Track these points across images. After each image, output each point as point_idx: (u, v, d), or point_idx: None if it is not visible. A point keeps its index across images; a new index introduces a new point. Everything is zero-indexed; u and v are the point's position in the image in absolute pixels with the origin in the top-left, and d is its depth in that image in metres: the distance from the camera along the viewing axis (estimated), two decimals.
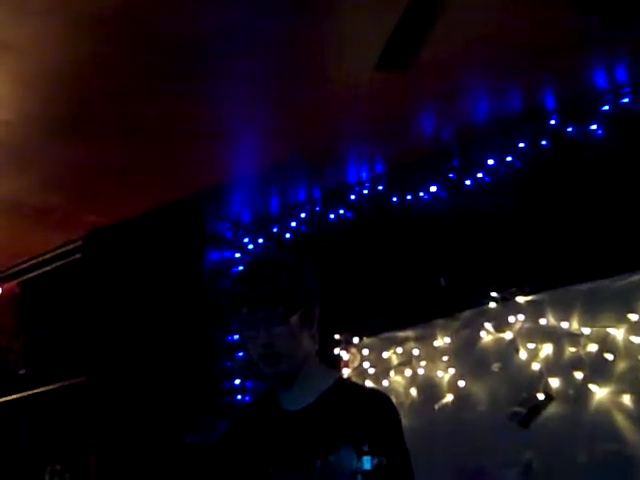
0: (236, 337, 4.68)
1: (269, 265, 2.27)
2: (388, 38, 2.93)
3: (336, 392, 2.22)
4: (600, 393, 3.61)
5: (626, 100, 3.95)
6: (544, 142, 4.11)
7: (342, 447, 2.05)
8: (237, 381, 4.67)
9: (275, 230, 5.04)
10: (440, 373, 4.11)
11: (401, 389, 4.22)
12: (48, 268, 5.36)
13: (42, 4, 3.05)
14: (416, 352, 4.21)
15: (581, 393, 3.66)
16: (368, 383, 4.29)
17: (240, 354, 4.65)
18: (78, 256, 5.16)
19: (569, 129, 4.05)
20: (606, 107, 3.99)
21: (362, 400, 2.20)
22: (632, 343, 3.58)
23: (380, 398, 2.24)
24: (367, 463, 2.03)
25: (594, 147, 3.98)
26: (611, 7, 2.84)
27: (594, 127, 3.99)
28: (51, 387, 4.98)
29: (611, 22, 2.95)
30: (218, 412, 4.32)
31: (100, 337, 4.80)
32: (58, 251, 5.29)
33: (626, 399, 3.54)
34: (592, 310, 3.72)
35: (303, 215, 4.94)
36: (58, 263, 5.31)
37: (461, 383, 4.02)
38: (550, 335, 3.82)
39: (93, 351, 4.80)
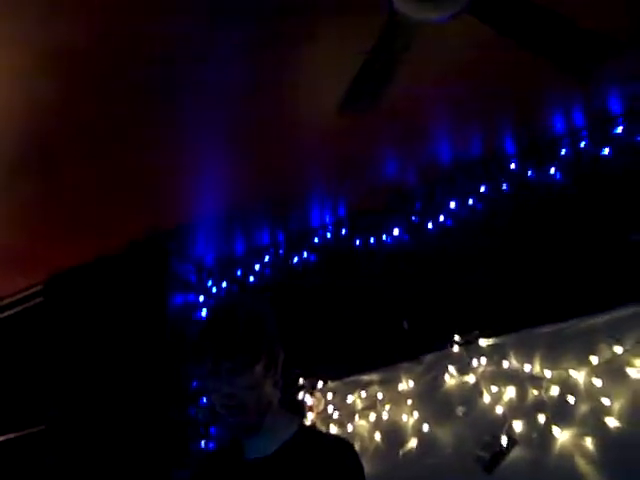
0: (197, 384, 4.62)
1: (230, 315, 2.25)
2: (350, 82, 2.95)
3: (298, 440, 2.20)
4: (563, 437, 3.60)
5: (583, 144, 4.01)
6: (505, 185, 4.16)
7: None
8: (200, 429, 4.60)
9: (239, 273, 5.00)
10: (404, 417, 4.08)
11: (365, 433, 4.18)
12: (9, 312, 5.27)
13: (6, 38, 3.06)
14: (380, 396, 4.18)
15: (544, 437, 3.65)
16: (332, 428, 4.26)
17: (204, 400, 4.59)
18: (39, 300, 5.08)
19: (529, 172, 4.11)
20: (563, 151, 4.05)
21: (324, 449, 2.17)
22: (593, 385, 3.59)
23: (342, 447, 2.22)
24: None
25: (553, 190, 4.04)
26: (568, 53, 2.88)
27: (552, 171, 4.05)
28: (8, 437, 4.87)
29: (567, 68, 3.00)
30: (181, 459, 4.26)
31: (60, 383, 4.72)
32: (19, 295, 5.20)
33: (588, 442, 3.54)
34: (554, 353, 3.74)
35: (267, 258, 4.92)
36: (19, 307, 5.22)
37: (425, 427, 4.00)
38: (513, 378, 3.82)
39: (52, 398, 4.70)
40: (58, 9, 2.94)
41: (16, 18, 2.97)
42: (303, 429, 2.30)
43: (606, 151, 3.95)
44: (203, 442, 4.53)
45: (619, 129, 3.93)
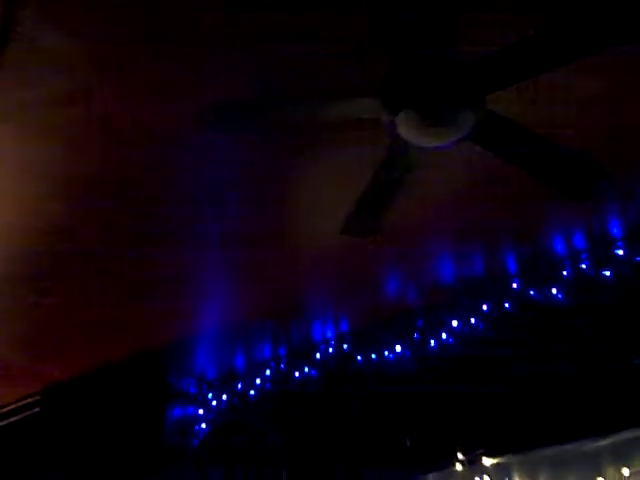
0: None
1: (238, 427, 2.25)
2: (354, 204, 3.00)
3: None
4: None
5: (584, 266, 4.06)
6: (507, 304, 4.18)
7: None
8: None
9: (239, 387, 4.97)
10: None
11: None
12: (5, 422, 5.21)
13: (27, 166, 3.15)
14: None
15: None
16: None
17: None
18: (37, 410, 5.04)
19: (531, 292, 4.14)
20: (565, 272, 4.09)
21: None
22: None
23: None
24: None
25: (555, 310, 4.05)
26: (567, 184, 2.94)
27: (554, 291, 4.08)
28: None
29: (569, 196, 3.06)
30: None
31: None
32: (17, 404, 5.15)
33: None
34: (560, 474, 3.70)
35: (268, 372, 4.90)
36: (16, 417, 5.16)
37: None
38: None
39: None
40: (77, 142, 3.03)
41: (38, 149, 3.06)
42: None
43: (607, 273, 3.98)
44: None
45: (620, 251, 3.98)
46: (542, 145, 2.76)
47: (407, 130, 2.58)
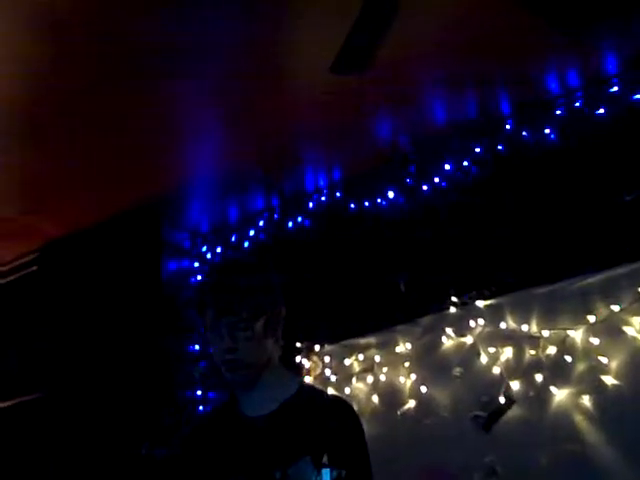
0: (197, 347, 4.64)
1: (234, 270, 2.26)
2: (343, 41, 2.92)
3: (298, 400, 2.21)
4: (560, 395, 3.62)
5: (578, 104, 4.00)
6: (500, 147, 4.15)
7: (301, 460, 2.04)
8: (199, 392, 4.62)
9: (233, 239, 4.99)
10: (402, 379, 4.10)
11: (363, 396, 4.20)
12: (3, 281, 5.26)
13: None
14: (378, 359, 4.20)
15: (541, 396, 3.67)
16: (330, 391, 4.26)
17: (202, 364, 4.61)
18: (34, 268, 5.07)
19: (524, 133, 4.09)
20: (559, 111, 4.03)
21: (324, 409, 2.18)
22: (591, 344, 3.61)
23: (342, 407, 2.23)
24: (326, 476, 2.02)
25: (548, 150, 4.02)
26: (564, 11, 2.86)
27: (547, 131, 4.04)
28: (6, 404, 4.88)
29: (563, 26, 2.98)
30: (179, 423, 4.28)
31: (57, 351, 4.73)
32: (14, 264, 5.18)
33: (586, 400, 3.56)
34: (551, 312, 3.75)
35: (261, 223, 4.91)
36: (14, 276, 5.21)
37: (423, 389, 4.02)
38: (510, 338, 3.83)
39: (50, 366, 4.71)
40: None
41: None
42: (303, 389, 2.30)
43: (601, 111, 3.92)
44: (201, 407, 4.55)
45: (614, 89, 3.91)
46: None
47: None
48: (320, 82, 3.58)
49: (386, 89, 3.84)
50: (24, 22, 3.12)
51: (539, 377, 3.70)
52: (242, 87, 3.72)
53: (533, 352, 3.75)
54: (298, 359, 4.39)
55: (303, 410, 2.17)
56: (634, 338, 3.53)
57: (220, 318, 2.15)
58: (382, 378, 4.18)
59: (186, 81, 3.64)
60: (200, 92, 3.73)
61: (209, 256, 5.06)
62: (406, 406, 4.06)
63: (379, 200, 4.49)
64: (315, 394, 2.34)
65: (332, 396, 2.41)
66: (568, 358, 3.65)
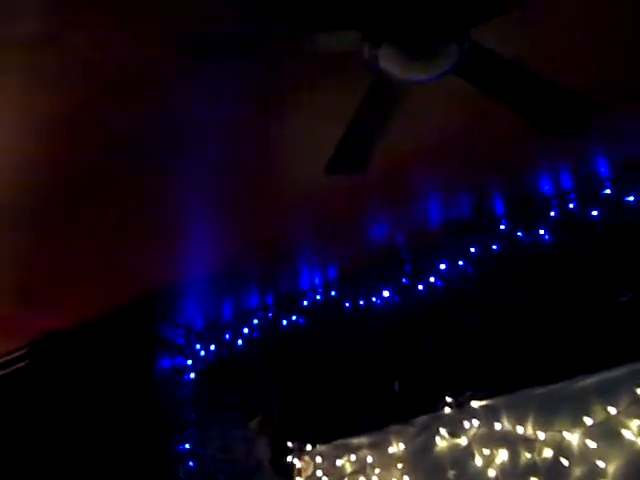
0: (187, 446, 4.55)
1: (229, 369, 2.26)
2: (339, 142, 2.97)
3: None
4: None
5: (571, 206, 4.04)
6: (495, 246, 4.17)
7: None
8: None
9: (227, 337, 4.96)
10: None
11: None
12: None
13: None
14: (370, 459, 4.12)
15: None
16: None
17: (190, 464, 4.52)
18: (25, 363, 5.02)
19: (518, 234, 4.12)
20: (553, 213, 4.08)
21: None
22: (587, 447, 3.55)
23: None
24: None
25: (543, 251, 4.05)
26: (554, 119, 2.92)
27: (542, 232, 4.07)
28: None
29: (554, 132, 3.04)
30: None
31: (47, 449, 4.64)
32: (3, 358, 5.13)
33: None
34: (547, 414, 3.70)
35: (255, 321, 4.88)
36: (3, 371, 5.15)
37: None
38: (505, 440, 3.77)
39: (40, 462, 4.62)
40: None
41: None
42: None
43: (595, 212, 3.97)
44: None
45: (607, 191, 3.96)
46: (529, 80, 2.73)
47: (390, 63, 2.54)
48: (315, 181, 3.61)
49: (381, 190, 3.88)
50: (20, 115, 3.18)
51: None
52: (238, 185, 3.77)
53: (529, 455, 3.68)
54: (289, 459, 4.30)
55: None
56: (632, 442, 3.48)
57: (215, 417, 2.12)
58: None
59: (182, 178, 3.68)
60: (196, 189, 3.77)
61: (202, 354, 5.01)
62: None
63: (374, 299, 4.48)
64: None
65: None
66: (565, 462, 3.58)
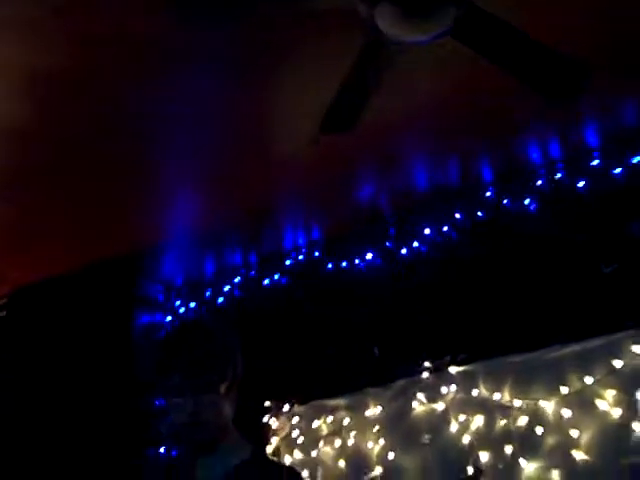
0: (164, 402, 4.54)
1: (199, 332, 2.23)
2: (330, 103, 2.94)
3: (246, 468, 2.16)
4: (529, 468, 3.57)
5: (559, 175, 4.04)
6: (480, 213, 4.17)
7: None
8: (162, 449, 4.51)
9: (208, 294, 4.94)
10: (370, 444, 4.03)
11: (330, 460, 4.12)
12: None
13: None
14: (346, 421, 4.13)
15: (511, 467, 3.62)
16: (297, 453, 4.20)
17: (169, 419, 4.51)
18: (2, 314, 4.99)
19: (504, 202, 4.12)
20: (539, 182, 4.07)
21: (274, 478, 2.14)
22: (562, 416, 3.58)
23: (293, 477, 2.19)
24: None
25: (528, 220, 4.05)
26: (548, 82, 2.90)
27: (527, 201, 4.07)
28: None
29: (548, 96, 3.02)
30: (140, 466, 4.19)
31: (22, 401, 4.63)
32: None
33: (554, 475, 3.52)
34: (524, 382, 3.73)
35: (237, 279, 4.87)
36: None
37: (391, 455, 3.95)
38: (482, 407, 3.80)
39: (12, 414, 4.61)
40: (38, 33, 2.90)
41: None
42: (256, 455, 2.25)
43: (582, 183, 3.97)
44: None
45: (595, 162, 3.96)
46: (526, 43, 2.70)
47: (386, 23, 2.51)
48: (301, 142, 3.59)
49: (369, 152, 3.86)
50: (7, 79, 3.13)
51: (509, 449, 3.65)
52: (223, 147, 3.74)
53: (504, 422, 3.71)
54: (266, 419, 4.31)
55: (253, 478, 2.13)
56: (606, 412, 3.51)
57: (185, 381, 2.11)
58: (350, 442, 4.10)
59: (167, 141, 3.65)
60: (180, 151, 3.74)
61: (182, 310, 5.00)
62: (373, 473, 3.99)
63: (357, 261, 4.47)
64: (267, 462, 2.30)
65: (284, 466, 2.40)
66: (539, 430, 3.61)
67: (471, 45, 2.71)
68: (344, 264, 4.51)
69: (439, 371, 3.96)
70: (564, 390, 3.60)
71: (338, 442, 4.13)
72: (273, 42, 3.08)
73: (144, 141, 3.66)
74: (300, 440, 4.26)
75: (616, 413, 3.49)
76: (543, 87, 2.91)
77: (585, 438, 3.52)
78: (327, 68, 2.92)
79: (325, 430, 4.21)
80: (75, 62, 3.06)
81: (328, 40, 3.03)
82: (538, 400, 3.65)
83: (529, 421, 3.65)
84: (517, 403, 3.70)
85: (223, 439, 2.16)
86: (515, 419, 3.69)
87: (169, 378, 2.13)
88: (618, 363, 3.53)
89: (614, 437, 3.47)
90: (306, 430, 4.26)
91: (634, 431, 3.43)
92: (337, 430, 4.17)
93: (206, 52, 3.09)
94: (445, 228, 4.25)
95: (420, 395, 3.97)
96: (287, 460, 4.19)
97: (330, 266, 4.56)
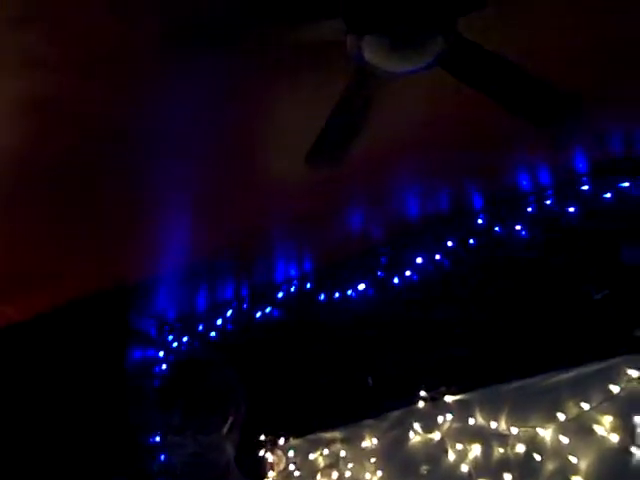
0: (157, 439, 4.51)
1: (199, 370, 2.22)
2: (318, 134, 2.95)
3: None
4: None
5: (549, 202, 4.06)
6: (472, 241, 4.18)
7: None
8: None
9: (200, 328, 4.92)
10: (368, 475, 4.01)
11: None
12: None
13: None
14: (343, 454, 4.11)
15: None
16: None
17: (162, 457, 4.47)
18: None
19: (496, 229, 4.13)
20: (529, 208, 4.09)
21: None
22: (560, 443, 3.56)
23: None
24: None
25: (519, 246, 4.06)
26: (535, 110, 2.92)
27: (519, 227, 4.08)
28: None
29: (536, 124, 3.04)
30: None
31: (15, 440, 4.58)
32: None
33: None
34: (520, 409, 3.72)
35: (229, 313, 4.85)
36: None
37: None
38: (479, 435, 3.78)
39: (5, 457, 4.56)
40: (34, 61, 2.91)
41: None
42: None
43: (572, 209, 3.99)
44: None
45: (585, 187, 3.98)
46: (514, 73, 2.73)
47: (373, 54, 2.52)
48: (292, 173, 3.59)
49: (359, 182, 3.87)
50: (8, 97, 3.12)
51: (508, 476, 3.63)
52: (213, 176, 3.73)
53: (502, 450, 3.69)
54: (262, 453, 4.28)
55: None
56: (604, 438, 3.50)
57: (187, 421, 2.09)
58: (347, 474, 4.07)
59: (158, 169, 3.64)
60: (171, 181, 3.73)
61: (175, 345, 4.97)
62: None
63: (350, 292, 4.46)
64: None
65: None
66: (537, 457, 3.60)
67: (459, 75, 2.73)
68: (336, 295, 4.50)
69: (435, 401, 3.94)
70: (561, 417, 3.59)
71: (335, 474, 4.10)
72: (265, 68, 3.08)
73: (134, 175, 3.65)
74: (297, 473, 4.22)
75: (614, 438, 3.47)
76: (531, 116, 2.93)
77: (584, 464, 3.50)
78: (319, 95, 2.93)
79: (322, 463, 4.18)
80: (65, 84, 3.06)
81: (320, 67, 3.04)
82: (535, 427, 3.63)
83: (527, 449, 3.63)
84: (514, 431, 3.68)
85: (224, 478, 2.14)
86: (513, 447, 3.67)
87: (169, 417, 2.11)
88: (615, 388, 3.53)
89: (613, 462, 3.45)
90: (303, 463, 4.23)
91: (633, 455, 3.42)
92: (334, 462, 4.14)
93: (196, 77, 3.10)
94: (437, 256, 4.25)
95: (416, 425, 3.95)
96: None
97: (322, 297, 4.55)
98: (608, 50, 3.13)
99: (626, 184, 3.90)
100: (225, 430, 2.11)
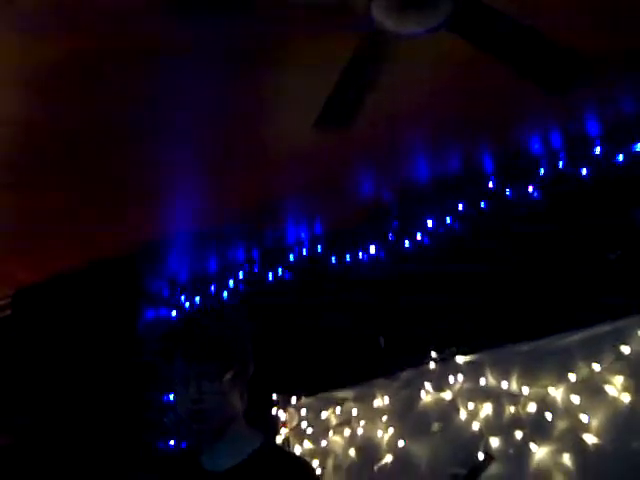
0: (171, 397, 4.57)
1: (207, 320, 2.24)
2: (327, 97, 2.94)
3: (257, 459, 2.16)
4: (540, 453, 3.60)
5: (560, 164, 4.04)
6: (482, 204, 4.17)
7: None
8: (172, 442, 4.53)
9: (212, 289, 4.96)
10: (380, 433, 4.06)
11: (340, 450, 4.15)
12: None
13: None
14: (355, 412, 4.16)
15: (521, 453, 3.65)
16: (306, 443, 4.22)
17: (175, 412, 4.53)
18: (8, 313, 5.00)
19: (507, 192, 4.12)
20: (542, 170, 4.08)
21: (284, 468, 2.14)
22: (571, 402, 3.60)
23: (302, 468, 2.19)
24: None
25: (531, 209, 4.06)
26: (547, 74, 2.90)
27: (530, 190, 4.07)
28: None
29: (547, 88, 3.02)
30: (152, 474, 4.20)
31: (29, 397, 4.64)
32: None
33: (566, 458, 3.54)
34: (532, 370, 3.74)
35: (241, 274, 4.88)
36: None
37: (401, 443, 3.97)
38: (490, 395, 3.82)
39: (21, 412, 4.63)
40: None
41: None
42: (265, 447, 2.25)
43: (584, 171, 3.97)
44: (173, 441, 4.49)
45: (597, 150, 3.96)
46: (524, 35, 2.70)
47: (383, 15, 2.51)
48: (303, 137, 3.58)
49: (370, 145, 3.86)
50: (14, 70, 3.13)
51: (519, 434, 3.68)
52: (225, 141, 3.75)
53: (513, 409, 3.73)
54: (274, 412, 4.33)
55: (265, 467, 2.13)
56: (614, 397, 3.53)
57: (188, 367, 2.11)
58: (359, 432, 4.13)
59: (171, 134, 3.65)
60: (183, 145, 3.75)
61: (187, 305, 5.01)
62: (383, 461, 4.01)
63: (360, 255, 4.48)
64: (276, 453, 2.29)
65: (293, 456, 2.39)
66: (548, 416, 3.64)
67: (468, 38, 2.71)
68: (347, 258, 4.52)
69: (446, 361, 3.97)
70: (572, 377, 3.62)
71: (347, 431, 4.16)
72: (271, 38, 3.07)
73: (145, 139, 3.67)
74: (309, 431, 4.28)
75: (625, 398, 3.51)
76: (541, 78, 2.91)
77: (595, 422, 3.54)
78: (327, 63, 2.91)
79: (334, 421, 4.24)
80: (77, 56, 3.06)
81: (327, 35, 3.03)
82: (547, 387, 3.67)
83: (538, 407, 3.67)
84: (525, 391, 3.72)
85: (229, 430, 2.17)
86: (524, 406, 3.71)
87: (173, 365, 2.14)
88: (626, 349, 3.55)
89: (624, 421, 3.49)
90: (315, 421, 4.29)
91: None
92: (346, 420, 4.19)
93: (204, 49, 3.10)
94: (448, 219, 4.26)
95: (427, 385, 3.99)
96: (297, 450, 4.21)
97: (333, 260, 4.57)
98: (619, 8, 3.10)
99: (639, 146, 3.88)
100: (227, 378, 2.13)
